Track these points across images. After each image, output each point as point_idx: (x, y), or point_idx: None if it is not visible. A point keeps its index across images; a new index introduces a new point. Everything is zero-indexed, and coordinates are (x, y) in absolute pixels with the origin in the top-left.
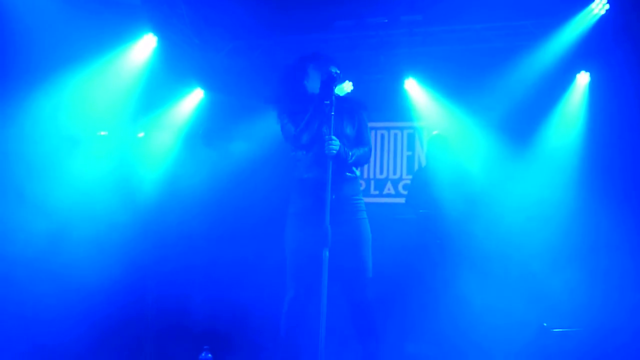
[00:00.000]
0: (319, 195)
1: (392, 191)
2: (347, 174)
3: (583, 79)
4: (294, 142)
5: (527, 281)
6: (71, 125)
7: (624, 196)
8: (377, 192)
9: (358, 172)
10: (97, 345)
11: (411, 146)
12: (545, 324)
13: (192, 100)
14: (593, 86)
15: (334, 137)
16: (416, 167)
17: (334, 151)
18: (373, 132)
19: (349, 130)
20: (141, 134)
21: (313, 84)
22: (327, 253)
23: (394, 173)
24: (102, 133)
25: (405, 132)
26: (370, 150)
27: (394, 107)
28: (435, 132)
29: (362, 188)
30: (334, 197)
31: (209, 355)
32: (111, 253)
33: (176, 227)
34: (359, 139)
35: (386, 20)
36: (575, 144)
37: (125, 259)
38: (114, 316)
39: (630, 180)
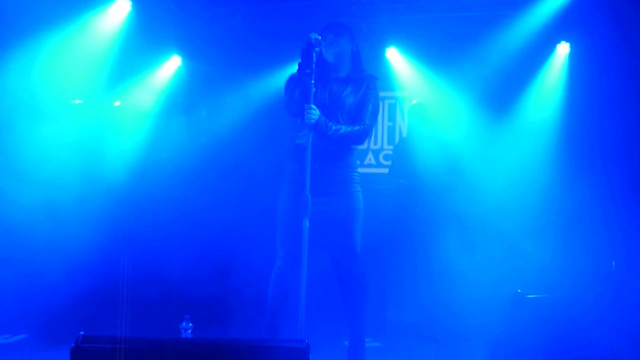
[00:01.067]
0: (311, 162)
1: (373, 161)
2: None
3: (563, 49)
4: (286, 109)
5: (503, 249)
6: (42, 93)
7: (601, 166)
8: (357, 163)
9: None
10: (75, 313)
11: (392, 116)
12: (519, 291)
13: (170, 67)
14: (573, 57)
15: (313, 107)
16: (397, 137)
17: (312, 120)
18: None
19: (350, 100)
20: (117, 103)
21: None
22: (307, 223)
23: (375, 143)
24: (77, 101)
25: (387, 102)
26: (364, 130)
27: (375, 76)
28: (414, 102)
29: None
30: (317, 166)
31: (190, 324)
32: (90, 221)
33: (157, 196)
34: (356, 115)
35: None
36: (554, 114)
37: (105, 227)
38: (92, 285)
39: (608, 151)
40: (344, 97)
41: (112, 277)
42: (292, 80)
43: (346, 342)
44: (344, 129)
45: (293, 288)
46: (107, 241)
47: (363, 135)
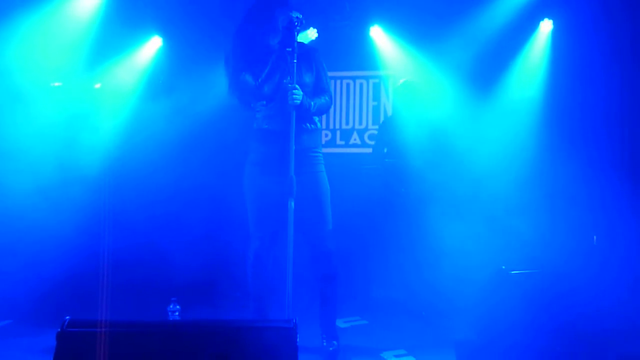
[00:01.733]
0: (280, 145)
1: (358, 141)
2: (307, 125)
3: (546, 26)
4: (253, 93)
5: (488, 226)
6: (20, 75)
7: (583, 143)
8: (343, 143)
9: (319, 124)
10: (61, 298)
11: (377, 96)
12: (503, 267)
13: (150, 48)
14: (556, 34)
15: (297, 87)
16: (382, 117)
17: (297, 101)
18: (338, 82)
19: (307, 78)
20: (98, 85)
21: (275, 32)
22: (293, 203)
23: (360, 123)
24: (56, 84)
25: (371, 81)
26: (330, 98)
27: (360, 55)
28: (402, 80)
29: (327, 139)
30: (295, 147)
31: (177, 306)
32: (74, 205)
33: (141, 178)
34: (318, 87)
35: None
36: (537, 92)
37: (89, 210)
38: (79, 269)
39: (590, 127)
40: (302, 76)
41: (98, 261)
42: (244, 57)
43: None
44: (319, 101)
45: (274, 268)
46: (92, 225)
47: (330, 103)
